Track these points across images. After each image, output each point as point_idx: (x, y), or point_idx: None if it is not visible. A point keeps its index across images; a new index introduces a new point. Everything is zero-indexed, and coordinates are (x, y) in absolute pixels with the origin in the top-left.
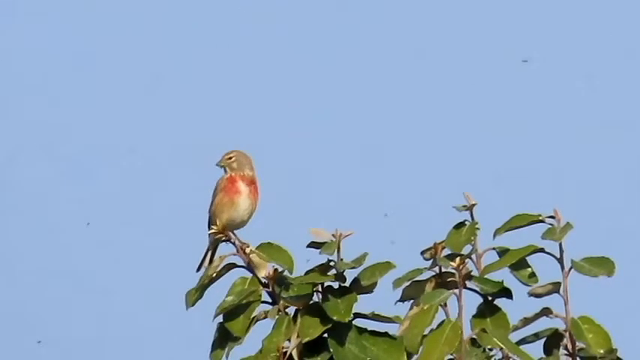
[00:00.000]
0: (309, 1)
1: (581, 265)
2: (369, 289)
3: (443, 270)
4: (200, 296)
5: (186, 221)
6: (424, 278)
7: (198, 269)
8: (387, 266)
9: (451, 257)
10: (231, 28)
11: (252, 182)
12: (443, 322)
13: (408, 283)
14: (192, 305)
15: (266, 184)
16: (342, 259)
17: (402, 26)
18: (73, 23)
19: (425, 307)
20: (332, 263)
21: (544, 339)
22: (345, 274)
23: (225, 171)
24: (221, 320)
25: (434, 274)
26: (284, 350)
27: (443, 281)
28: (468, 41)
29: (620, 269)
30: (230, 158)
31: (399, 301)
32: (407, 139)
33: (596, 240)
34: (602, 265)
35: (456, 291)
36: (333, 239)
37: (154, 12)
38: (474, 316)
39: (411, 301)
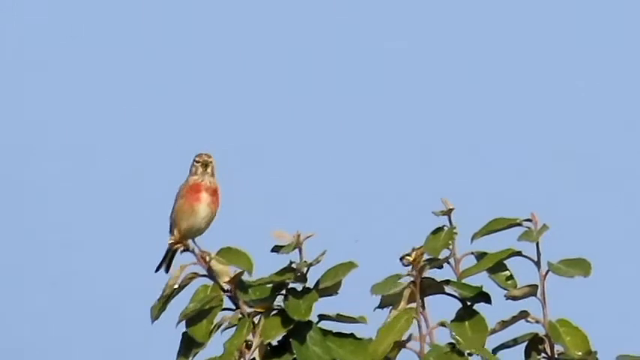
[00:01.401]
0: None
1: (558, 266)
2: (333, 291)
3: (422, 276)
4: (164, 308)
5: (151, 227)
6: (404, 283)
7: (157, 270)
8: (349, 266)
9: (430, 262)
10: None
11: (215, 192)
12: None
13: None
14: (157, 319)
15: (246, 185)
16: (304, 261)
17: (380, 29)
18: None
19: (396, 316)
20: (294, 265)
21: (525, 343)
22: (308, 275)
23: (191, 172)
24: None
25: (412, 279)
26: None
27: (422, 286)
28: (449, 46)
29: (602, 271)
30: (209, 164)
31: (378, 307)
32: (385, 141)
33: (577, 244)
34: (578, 266)
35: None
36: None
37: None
38: (452, 321)
39: (390, 307)
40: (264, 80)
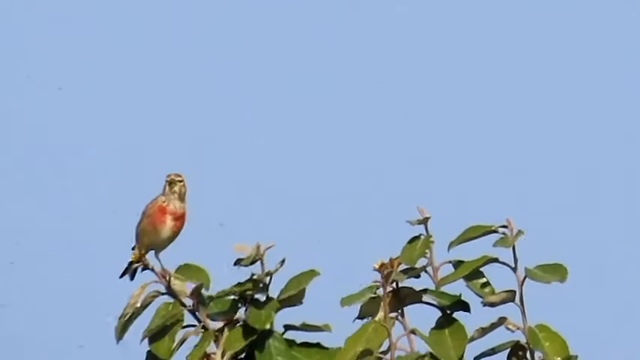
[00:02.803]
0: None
1: (535, 272)
2: (297, 300)
3: (400, 285)
4: (126, 328)
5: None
6: (370, 294)
7: (121, 276)
8: (311, 274)
9: (407, 272)
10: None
11: (180, 217)
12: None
13: (365, 300)
14: (121, 339)
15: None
16: (266, 271)
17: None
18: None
19: (364, 325)
20: (255, 276)
21: (507, 351)
22: (270, 286)
23: (164, 193)
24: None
25: (390, 289)
26: None
27: (400, 296)
28: (430, 56)
29: (581, 275)
30: (174, 183)
31: (357, 318)
32: (354, 150)
33: (554, 249)
34: (554, 272)
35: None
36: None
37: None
38: (432, 329)
39: (369, 318)
40: (262, 81)
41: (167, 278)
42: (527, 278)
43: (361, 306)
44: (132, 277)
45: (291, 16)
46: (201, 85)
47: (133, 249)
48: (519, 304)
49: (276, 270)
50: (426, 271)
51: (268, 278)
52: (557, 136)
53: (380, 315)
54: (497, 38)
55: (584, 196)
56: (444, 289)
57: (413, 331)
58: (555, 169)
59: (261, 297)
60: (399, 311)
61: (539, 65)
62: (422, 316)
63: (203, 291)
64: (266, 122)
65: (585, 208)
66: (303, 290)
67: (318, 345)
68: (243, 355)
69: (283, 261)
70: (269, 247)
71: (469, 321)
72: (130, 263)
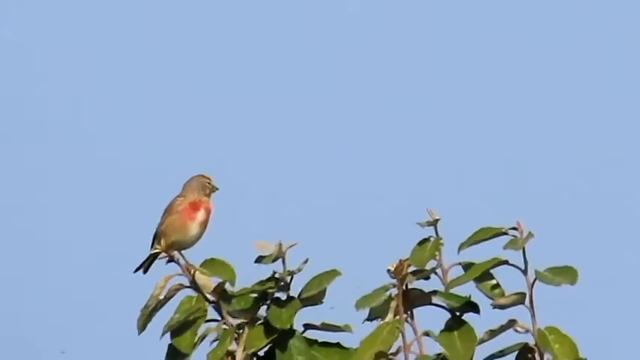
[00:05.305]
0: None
1: (545, 274)
2: (317, 299)
3: (409, 287)
4: (149, 320)
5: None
6: (387, 295)
7: (135, 271)
8: (333, 274)
9: (416, 273)
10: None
11: (209, 212)
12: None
13: (379, 303)
14: (143, 330)
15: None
16: (287, 270)
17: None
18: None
19: (379, 326)
20: (277, 275)
21: (515, 353)
22: (292, 285)
23: (190, 189)
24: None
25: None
26: None
27: (410, 298)
28: (423, 60)
29: (590, 277)
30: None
31: (367, 320)
32: (370, 149)
33: (564, 251)
34: (565, 274)
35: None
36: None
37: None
38: (441, 331)
39: (379, 319)
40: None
41: (192, 272)
42: (537, 280)
43: (371, 307)
44: (145, 271)
45: (294, 17)
46: (200, 86)
47: (152, 245)
48: (529, 306)
49: (299, 269)
50: (435, 273)
51: (290, 277)
52: (568, 137)
53: (389, 316)
54: (504, 38)
55: (595, 197)
56: (453, 290)
57: (426, 333)
58: (565, 169)
59: (282, 296)
60: (409, 313)
61: (549, 63)
62: (430, 318)
63: (228, 287)
64: (266, 123)
65: (596, 209)
66: (325, 290)
67: (337, 345)
68: (262, 353)
69: (306, 261)
70: (291, 246)
71: (477, 322)
72: (151, 255)
